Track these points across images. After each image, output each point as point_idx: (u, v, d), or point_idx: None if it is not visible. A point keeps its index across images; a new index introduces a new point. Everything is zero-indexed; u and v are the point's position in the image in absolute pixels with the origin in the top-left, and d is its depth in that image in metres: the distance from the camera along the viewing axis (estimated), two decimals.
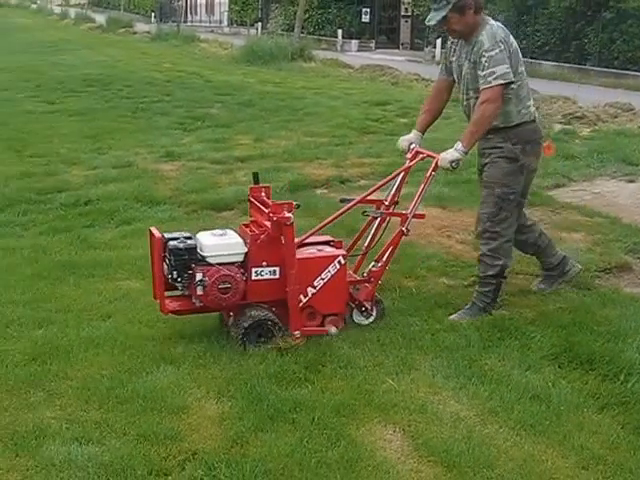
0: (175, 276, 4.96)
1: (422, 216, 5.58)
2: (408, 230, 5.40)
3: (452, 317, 5.55)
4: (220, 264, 4.94)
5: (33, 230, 7.67)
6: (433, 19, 5.31)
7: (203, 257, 4.96)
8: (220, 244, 5.00)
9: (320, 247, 5.31)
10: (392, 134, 12.95)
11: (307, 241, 5.30)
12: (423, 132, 5.75)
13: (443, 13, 5.25)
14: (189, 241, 5.01)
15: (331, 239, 5.41)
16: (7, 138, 12.57)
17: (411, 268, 6.54)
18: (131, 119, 14.51)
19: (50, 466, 3.82)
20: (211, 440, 4.07)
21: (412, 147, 5.65)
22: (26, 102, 16.58)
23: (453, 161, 5.23)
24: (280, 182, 9.44)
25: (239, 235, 5.12)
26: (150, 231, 5.08)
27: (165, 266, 5.00)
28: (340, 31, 39.33)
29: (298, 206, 5.27)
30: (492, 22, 5.33)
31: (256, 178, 5.36)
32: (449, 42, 5.61)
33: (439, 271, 6.56)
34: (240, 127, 13.58)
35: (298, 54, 27.64)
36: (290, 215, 4.90)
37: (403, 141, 5.75)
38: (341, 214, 5.42)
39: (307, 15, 37.98)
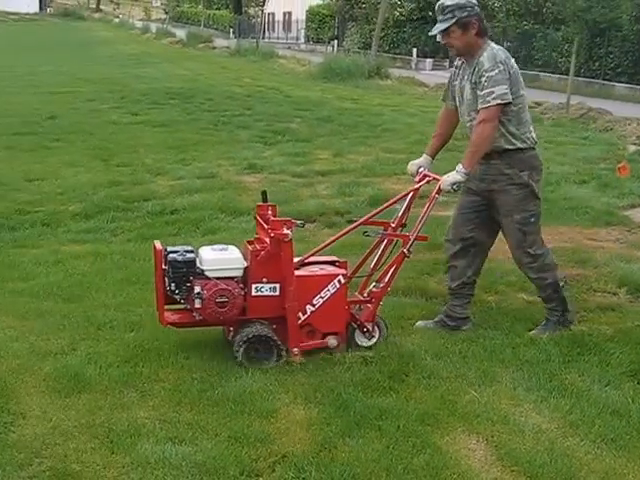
0: (173, 288, 5.01)
1: (425, 238, 5.49)
2: (410, 252, 5.32)
3: (532, 333, 5.59)
4: (218, 278, 4.99)
5: (121, 237, 7.91)
6: (436, 29, 5.35)
7: (202, 271, 5.02)
8: (219, 259, 5.06)
9: (323, 266, 5.32)
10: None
11: (312, 260, 5.33)
12: (433, 156, 5.73)
13: (446, 25, 5.28)
14: (188, 254, 5.06)
15: (336, 259, 5.39)
16: (94, 147, 12.94)
17: (491, 283, 6.62)
18: (213, 132, 14.79)
19: (145, 464, 3.96)
20: (300, 444, 4.18)
21: (420, 171, 5.62)
22: (111, 113, 17.00)
23: (454, 183, 5.21)
24: (360, 196, 9.58)
25: (240, 251, 5.18)
26: (153, 244, 5.16)
27: (165, 278, 5.06)
28: (415, 50, 39.42)
29: (302, 225, 5.44)
30: (493, 45, 5.35)
31: (264, 196, 5.37)
32: (453, 67, 5.63)
33: (518, 286, 6.60)
34: (319, 142, 13.73)
35: (374, 72, 27.85)
36: (288, 232, 4.93)
37: (412, 165, 5.72)
38: (344, 234, 5.44)
39: (383, 33, 38.15)
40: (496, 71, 5.16)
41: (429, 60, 38.96)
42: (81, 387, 4.73)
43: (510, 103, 5.21)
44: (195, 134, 14.37)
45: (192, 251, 5.12)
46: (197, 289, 4.95)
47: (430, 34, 5.61)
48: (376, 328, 5.35)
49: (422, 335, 5.58)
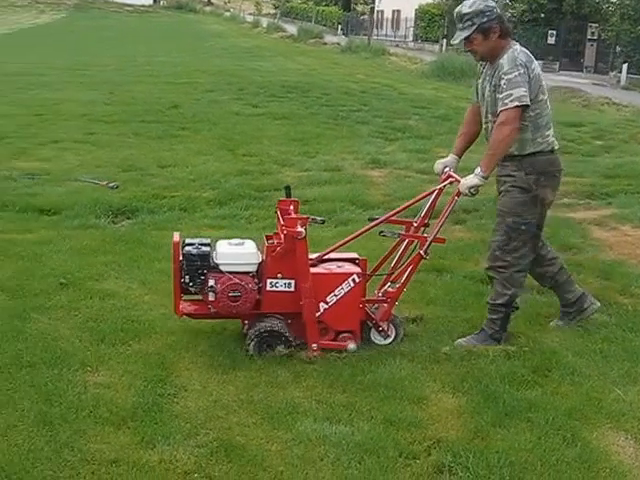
0: (187, 280, 5.07)
1: (442, 240, 5.42)
2: (427, 254, 5.25)
3: (459, 341, 5.40)
4: (232, 272, 5.04)
5: (256, 224, 8.11)
6: (457, 38, 5.26)
7: (217, 265, 5.08)
8: (234, 253, 5.11)
9: (340, 264, 5.29)
10: (589, 155, 12.96)
11: (332, 257, 5.32)
12: (459, 156, 5.64)
13: (467, 33, 5.18)
14: (204, 248, 5.11)
15: (356, 257, 5.37)
16: (219, 137, 13.26)
17: (625, 286, 6.62)
18: (333, 126, 14.96)
19: (307, 440, 4.13)
20: (453, 430, 4.29)
21: (445, 170, 5.54)
22: (232, 104, 17.34)
23: (472, 187, 5.14)
24: (485, 195, 9.56)
25: (258, 246, 5.22)
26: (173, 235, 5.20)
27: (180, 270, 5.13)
28: None
29: (323, 222, 5.42)
30: (517, 47, 5.22)
31: (288, 191, 5.39)
32: (479, 65, 5.49)
33: None
34: (439, 140, 13.74)
35: None
36: (302, 230, 4.93)
37: (438, 164, 5.65)
38: (364, 232, 5.41)
39: None
40: (515, 73, 5.05)
41: (539, 62, 38.27)
42: (236, 365, 4.93)
43: (528, 106, 5.09)
44: (316, 128, 14.57)
45: (208, 244, 5.17)
46: (211, 282, 5.02)
47: (452, 43, 5.54)
48: (392, 328, 5.34)
49: (561, 333, 5.61)
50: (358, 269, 5.21)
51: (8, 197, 8.71)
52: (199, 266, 5.04)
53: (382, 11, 62.17)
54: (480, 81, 5.40)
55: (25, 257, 6.77)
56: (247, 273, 5.08)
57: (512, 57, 5.11)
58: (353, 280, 5.13)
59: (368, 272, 5.35)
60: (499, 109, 5.08)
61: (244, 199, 9.00)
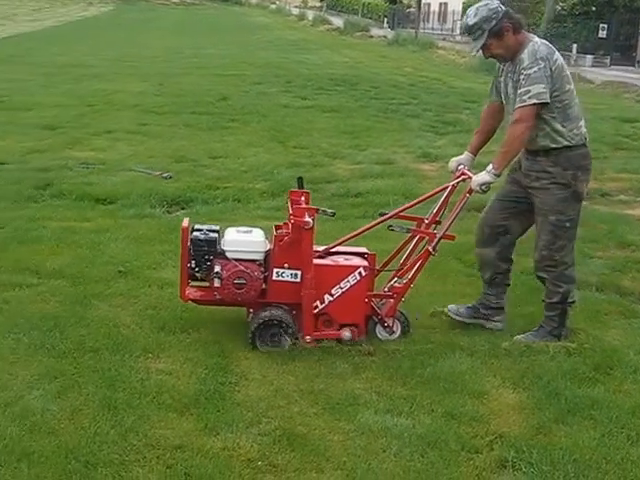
0: (193, 266, 5.09)
1: (452, 237, 5.30)
2: (435, 250, 5.19)
3: (518, 337, 5.37)
4: (238, 260, 5.03)
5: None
6: (474, 50, 5.23)
7: (223, 251, 5.08)
8: (241, 240, 5.10)
9: (348, 257, 5.26)
10: None
11: (340, 250, 5.30)
12: (475, 154, 5.54)
13: (481, 42, 5.08)
14: (211, 234, 5.12)
15: (365, 251, 5.34)
16: (269, 129, 13.30)
17: None
18: (383, 119, 14.95)
19: (369, 432, 4.13)
20: (515, 426, 4.26)
21: (460, 168, 5.46)
22: (280, 96, 17.38)
23: (483, 184, 5.08)
24: None
25: (266, 235, 5.21)
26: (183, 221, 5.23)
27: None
28: (575, 45, 38.58)
29: (333, 214, 5.36)
30: (536, 39, 5.11)
31: (300, 182, 5.37)
32: (498, 62, 5.38)
33: None
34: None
35: None
36: (309, 220, 4.93)
37: (453, 161, 5.57)
38: (373, 226, 5.38)
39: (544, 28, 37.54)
40: (535, 69, 4.94)
41: (589, 56, 37.99)
42: (295, 355, 4.95)
43: (547, 103, 4.97)
44: (366, 120, 14.57)
45: (217, 231, 5.18)
46: (217, 268, 5.01)
47: (471, 55, 5.51)
48: (397, 324, 5.28)
49: (622, 331, 5.56)
50: (365, 263, 5.17)
51: (65, 186, 8.82)
52: (206, 252, 5.06)
53: (429, 4, 61.92)
54: (502, 79, 5.27)
55: (84, 245, 6.84)
56: (254, 261, 5.07)
57: (532, 51, 5.01)
58: (359, 273, 5.09)
59: (377, 267, 5.35)
60: (517, 105, 4.98)
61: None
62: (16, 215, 7.67)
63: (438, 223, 5.35)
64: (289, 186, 8.98)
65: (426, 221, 5.37)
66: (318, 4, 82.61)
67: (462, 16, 51.91)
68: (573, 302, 5.42)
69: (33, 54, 25.65)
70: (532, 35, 5.16)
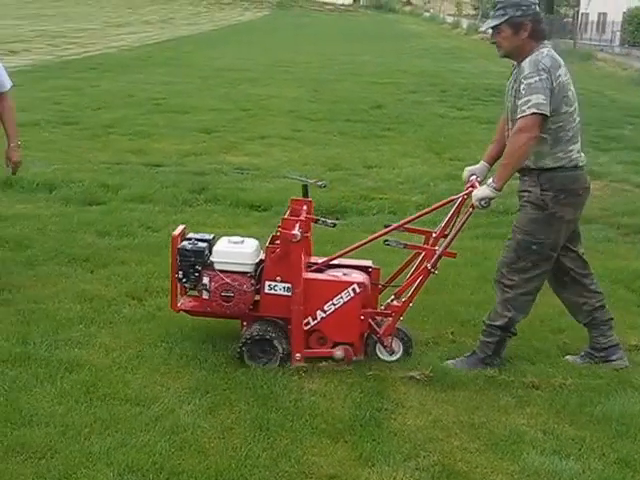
0: (180, 276, 4.90)
1: (453, 255, 4.95)
2: (435, 268, 4.84)
3: (448, 362, 4.96)
4: (226, 272, 4.82)
5: (469, 232, 7.80)
6: (486, 25, 4.89)
7: (212, 262, 4.86)
8: (229, 252, 4.88)
9: (349, 271, 4.98)
10: None
11: (344, 263, 5.05)
12: (491, 163, 5.20)
13: (496, 22, 4.75)
14: (200, 244, 4.91)
15: (370, 265, 5.08)
16: (425, 139, 13.05)
17: None
18: None
19: (535, 475, 3.85)
20: None
21: (472, 178, 5.12)
22: (435, 106, 17.11)
23: (482, 199, 4.72)
24: None
25: (259, 246, 4.99)
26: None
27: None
28: None
29: (334, 225, 5.15)
30: (545, 50, 4.71)
31: (305, 190, 5.19)
32: (513, 66, 4.94)
33: None
34: None
35: None
36: (297, 233, 4.67)
37: (466, 171, 5.25)
38: (376, 238, 5.08)
39: None
40: (536, 78, 4.57)
41: None
42: (455, 383, 4.69)
43: (547, 117, 4.60)
44: None
45: (208, 240, 4.98)
46: (205, 280, 4.84)
47: (480, 30, 5.03)
48: (399, 344, 4.95)
49: None
50: (361, 279, 4.89)
51: (220, 191, 8.82)
52: (193, 262, 4.89)
53: (587, 14, 60.23)
54: (507, 85, 4.94)
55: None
56: (244, 273, 4.86)
57: (535, 61, 4.65)
58: (353, 290, 4.80)
59: (382, 282, 5.13)
60: (517, 116, 4.64)
61: (454, 206, 8.69)
62: (171, 219, 7.68)
63: (444, 236, 5.02)
64: (446, 198, 8.76)
65: (434, 235, 5.05)
66: (472, 12, 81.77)
67: (622, 26, 50.59)
68: (514, 334, 5.01)
69: (190, 57, 26.15)
70: (545, 44, 4.77)
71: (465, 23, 61.77)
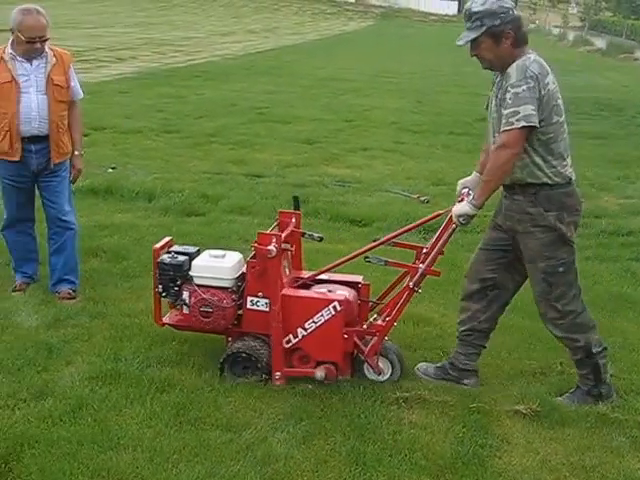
0: (160, 290, 4.81)
1: (437, 273, 4.65)
2: (418, 286, 4.58)
3: (558, 399, 4.63)
4: (205, 286, 4.69)
5: (578, 254, 7.46)
6: (463, 39, 4.40)
7: (191, 277, 4.73)
8: (208, 266, 4.75)
9: (334, 287, 4.78)
10: None
11: (333, 278, 4.89)
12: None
13: (474, 35, 4.35)
14: (180, 257, 4.79)
15: (359, 281, 4.91)
16: None
17: None
18: None
19: None
20: None
21: (464, 191, 4.72)
22: None
23: (461, 216, 4.40)
24: None
25: (241, 260, 4.83)
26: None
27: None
28: None
29: (320, 239, 5.00)
30: (532, 56, 4.33)
31: (296, 202, 5.06)
32: (494, 74, 4.57)
33: None
34: None
35: None
36: (272, 248, 4.47)
37: (459, 183, 4.86)
38: (362, 253, 4.84)
39: None
40: (524, 87, 4.19)
41: None
42: (564, 420, 4.40)
43: (536, 128, 4.22)
44: (634, 150, 13.55)
45: (188, 254, 4.85)
46: (184, 295, 4.74)
47: (456, 44, 4.49)
48: (387, 364, 4.72)
49: None
50: (344, 296, 4.65)
51: (320, 204, 8.63)
52: (172, 276, 4.78)
53: None
54: (490, 92, 4.57)
55: (337, 271, 6.54)
56: (223, 288, 4.70)
57: (522, 67, 4.27)
58: (334, 307, 4.57)
59: (373, 299, 4.97)
60: (502, 128, 4.26)
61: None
62: None
63: (440, 254, 4.69)
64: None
65: (425, 251, 4.73)
66: (579, 24, 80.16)
67: None
68: (605, 349, 4.66)
69: (293, 67, 26.12)
70: (530, 51, 4.40)
71: (571, 35, 60.63)
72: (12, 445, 3.88)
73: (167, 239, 5.04)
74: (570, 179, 4.47)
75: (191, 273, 4.79)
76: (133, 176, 9.63)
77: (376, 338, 4.68)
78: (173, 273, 4.80)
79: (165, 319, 4.98)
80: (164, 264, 4.81)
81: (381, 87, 21.48)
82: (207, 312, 4.71)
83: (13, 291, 5.93)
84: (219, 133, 13.19)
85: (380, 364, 4.71)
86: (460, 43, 4.46)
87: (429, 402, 4.50)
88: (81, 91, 5.92)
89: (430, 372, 4.88)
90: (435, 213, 4.91)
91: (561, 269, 4.48)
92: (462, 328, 4.87)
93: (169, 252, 4.92)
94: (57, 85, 5.60)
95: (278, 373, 4.65)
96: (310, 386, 4.56)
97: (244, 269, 4.80)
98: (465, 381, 4.81)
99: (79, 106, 5.94)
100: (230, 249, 5.06)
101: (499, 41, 4.36)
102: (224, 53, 29.87)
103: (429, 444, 4.07)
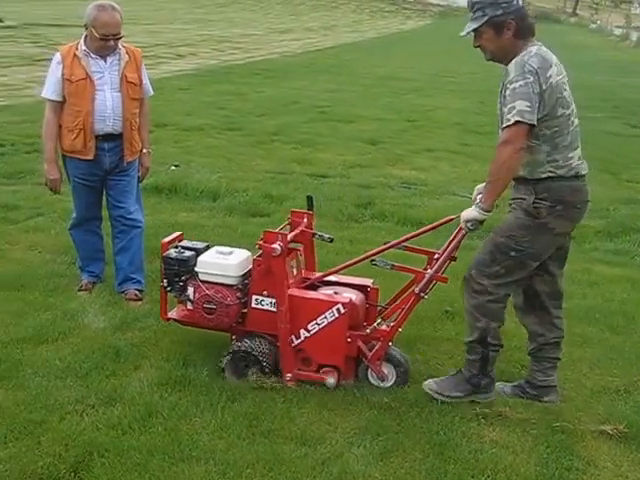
0: (165, 284, 4.77)
1: (444, 280, 4.49)
2: (424, 292, 4.45)
3: (427, 382, 4.53)
4: (209, 283, 4.62)
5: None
6: (465, 30, 4.33)
7: (197, 273, 4.67)
8: (214, 263, 4.68)
9: (342, 289, 4.71)
10: None
11: (341, 280, 4.81)
12: None
13: (476, 24, 4.26)
14: (187, 252, 4.75)
15: (369, 284, 4.82)
16: (599, 159, 12.21)
17: None
18: None
19: None
20: None
21: (479, 197, 4.45)
22: (608, 123, 16.21)
23: (469, 221, 4.27)
24: None
25: (249, 258, 4.72)
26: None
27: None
28: None
29: (331, 240, 4.94)
30: (533, 49, 4.20)
31: (310, 202, 4.97)
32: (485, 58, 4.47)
33: None
34: None
35: None
36: (277, 246, 4.40)
37: (476, 190, 4.69)
38: (370, 256, 4.70)
39: None
40: (521, 82, 4.06)
41: None
42: None
43: (533, 125, 4.08)
44: None
45: (195, 249, 4.80)
46: (189, 290, 4.70)
47: (459, 35, 4.35)
48: (391, 370, 4.58)
49: None
50: (349, 299, 4.54)
51: (387, 206, 8.46)
52: (177, 271, 4.74)
53: None
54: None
55: (404, 277, 6.37)
56: (229, 286, 4.63)
57: (520, 62, 4.15)
58: (338, 310, 4.48)
59: (382, 303, 4.83)
60: (502, 125, 4.17)
61: (637, 233, 8.07)
62: (337, 236, 7.33)
63: (452, 259, 4.59)
64: (628, 226, 8.15)
65: (436, 256, 4.62)
66: None
67: None
68: (500, 345, 4.52)
69: (353, 65, 25.89)
70: (534, 43, 4.27)
71: (634, 35, 59.56)
72: (81, 453, 3.78)
73: (177, 234, 5.00)
74: (577, 173, 4.32)
75: (196, 269, 4.75)
76: (196, 174, 9.54)
77: (380, 343, 4.59)
78: (178, 268, 4.77)
79: (171, 314, 4.93)
80: (170, 258, 4.79)
81: (443, 87, 21.16)
82: (210, 309, 4.67)
83: (79, 290, 5.87)
84: (281, 131, 13.07)
85: (384, 370, 4.58)
86: (463, 34, 4.40)
87: (510, 419, 4.32)
88: (151, 88, 5.83)
89: (507, 391, 4.68)
90: (447, 218, 4.78)
91: (513, 253, 4.33)
92: (531, 346, 4.71)
93: (176, 247, 4.88)
94: (131, 82, 5.53)
95: (289, 375, 4.60)
96: (386, 399, 4.40)
97: (251, 267, 4.73)
98: (545, 398, 4.61)
99: (148, 103, 5.86)
100: (241, 247, 4.96)
101: (501, 31, 4.27)
102: (283, 51, 29.77)
103: (512, 465, 3.89)
